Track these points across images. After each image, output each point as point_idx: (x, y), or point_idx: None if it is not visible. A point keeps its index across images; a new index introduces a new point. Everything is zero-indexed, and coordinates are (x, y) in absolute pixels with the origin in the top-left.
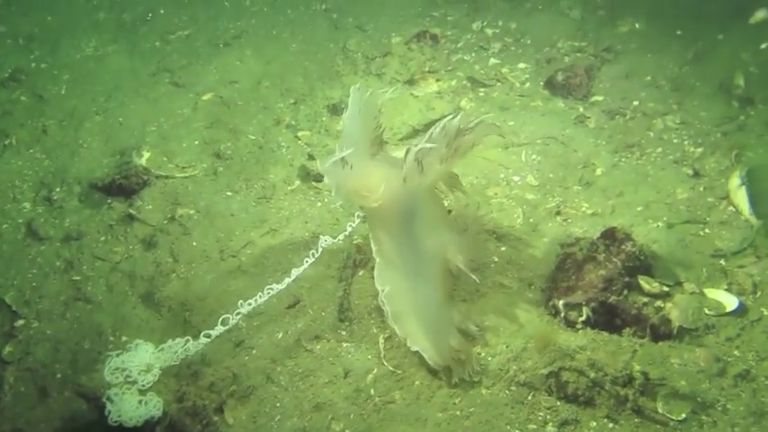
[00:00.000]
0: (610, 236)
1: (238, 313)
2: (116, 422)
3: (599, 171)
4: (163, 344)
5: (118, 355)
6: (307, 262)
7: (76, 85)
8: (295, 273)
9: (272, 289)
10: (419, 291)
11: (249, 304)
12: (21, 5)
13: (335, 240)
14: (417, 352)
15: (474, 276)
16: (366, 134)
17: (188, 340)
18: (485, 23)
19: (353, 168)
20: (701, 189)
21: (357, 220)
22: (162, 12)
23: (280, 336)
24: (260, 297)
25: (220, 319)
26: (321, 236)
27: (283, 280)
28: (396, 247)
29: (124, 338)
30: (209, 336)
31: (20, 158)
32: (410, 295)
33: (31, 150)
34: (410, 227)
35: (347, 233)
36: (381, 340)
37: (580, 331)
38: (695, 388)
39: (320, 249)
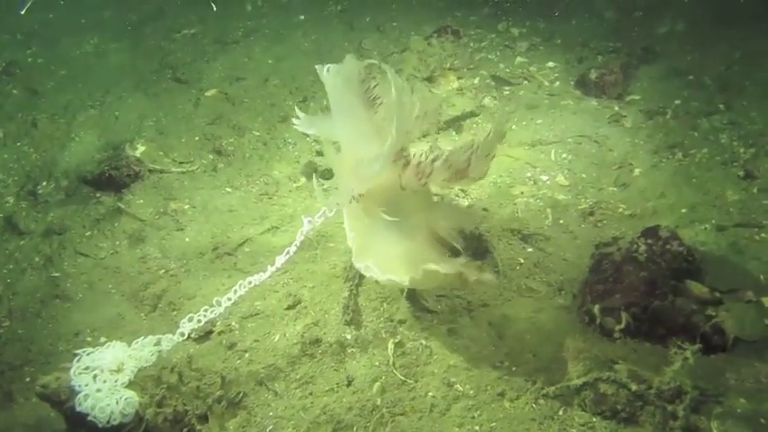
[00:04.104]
0: (653, 234)
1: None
2: (91, 415)
3: (637, 171)
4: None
5: (88, 354)
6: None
7: (73, 80)
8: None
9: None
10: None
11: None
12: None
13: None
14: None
15: (456, 244)
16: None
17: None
18: (510, 24)
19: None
20: (755, 191)
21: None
22: (170, 11)
23: (276, 338)
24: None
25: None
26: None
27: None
28: (378, 227)
29: (103, 339)
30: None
31: (6, 151)
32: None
33: (19, 144)
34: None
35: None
36: (391, 346)
37: (618, 341)
38: (757, 407)
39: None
